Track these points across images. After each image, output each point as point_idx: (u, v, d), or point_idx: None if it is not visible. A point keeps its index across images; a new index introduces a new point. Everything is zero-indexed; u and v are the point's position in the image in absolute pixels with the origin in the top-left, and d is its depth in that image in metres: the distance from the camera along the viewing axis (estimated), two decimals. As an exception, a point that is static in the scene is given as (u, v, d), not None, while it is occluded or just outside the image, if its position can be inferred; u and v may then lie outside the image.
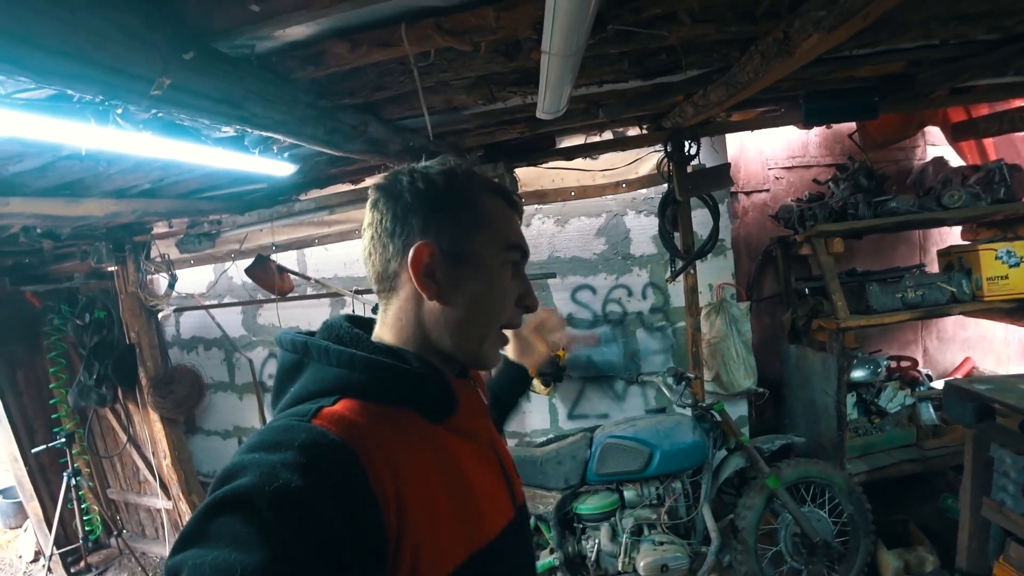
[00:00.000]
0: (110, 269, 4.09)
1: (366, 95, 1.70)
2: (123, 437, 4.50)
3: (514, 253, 0.80)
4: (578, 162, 3.55)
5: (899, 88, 2.77)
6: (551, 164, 3.38)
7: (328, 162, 2.78)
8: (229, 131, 1.81)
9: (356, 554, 0.56)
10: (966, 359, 4.20)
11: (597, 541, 2.81)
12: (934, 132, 3.97)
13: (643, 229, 3.84)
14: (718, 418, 2.92)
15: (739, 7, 1.46)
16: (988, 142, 3.57)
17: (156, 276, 4.29)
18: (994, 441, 2.48)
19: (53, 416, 4.49)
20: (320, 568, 0.53)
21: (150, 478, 4.43)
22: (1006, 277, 3.15)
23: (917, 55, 2.34)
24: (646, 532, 2.85)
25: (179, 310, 4.55)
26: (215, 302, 4.51)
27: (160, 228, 4.09)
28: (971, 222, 3.56)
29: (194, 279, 4.51)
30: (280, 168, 2.36)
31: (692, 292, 3.26)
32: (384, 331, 0.78)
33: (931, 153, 4.07)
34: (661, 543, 2.77)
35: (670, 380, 3.01)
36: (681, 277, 3.28)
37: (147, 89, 1.00)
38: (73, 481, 3.87)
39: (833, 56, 2.25)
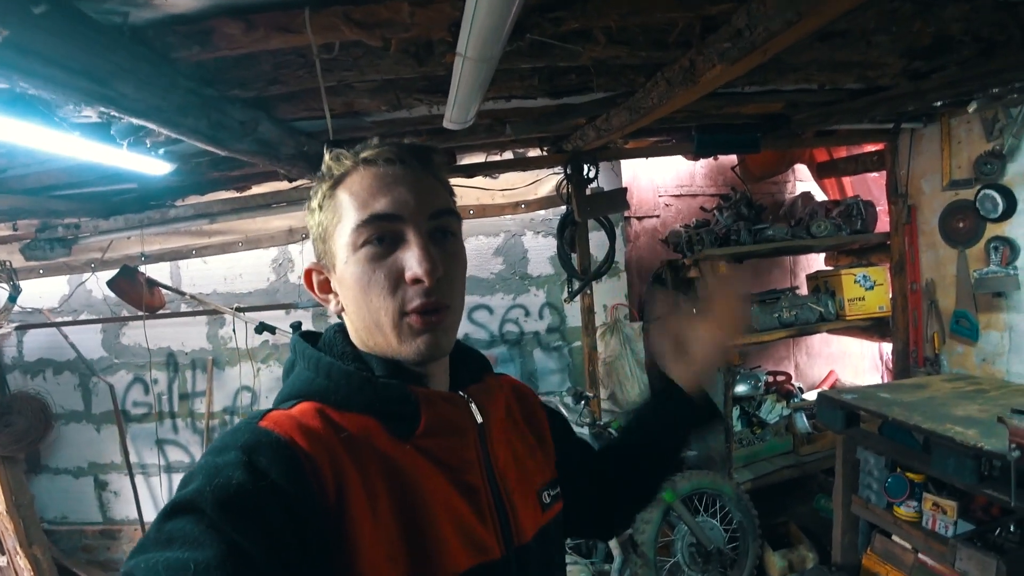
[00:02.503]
0: (-69, 279, 3.44)
1: (259, 88, 1.54)
2: (-59, 481, 3.75)
3: (366, 229, 0.68)
4: (478, 180, 3.54)
5: (777, 127, 3.05)
6: (451, 181, 3.33)
7: (211, 164, 2.52)
8: (91, 115, 1.57)
9: (300, 544, 0.57)
10: (830, 372, 4.66)
11: (500, 568, 2.73)
12: (802, 169, 4.43)
13: (540, 250, 3.90)
14: (615, 435, 2.96)
15: (652, 32, 1.51)
16: (846, 180, 4.03)
17: (-5, 288, 3.67)
18: (860, 444, 2.74)
19: None
20: (268, 559, 0.54)
21: (-23, 530, 3.72)
22: (863, 299, 3.54)
23: (796, 97, 2.58)
24: (549, 554, 2.81)
25: (22, 327, 3.92)
26: (69, 319, 3.94)
27: (2, 231, 3.51)
28: (834, 250, 3.97)
29: (44, 291, 3.94)
30: (154, 166, 2.10)
31: (589, 312, 3.33)
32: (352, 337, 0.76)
33: (799, 188, 4.53)
34: (564, 564, 2.75)
35: (569, 400, 3.03)
36: (578, 297, 3.35)
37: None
38: None
39: (726, 91, 2.42)
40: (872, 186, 3.83)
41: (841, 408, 2.75)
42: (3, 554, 3.65)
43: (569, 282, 3.45)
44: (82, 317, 3.97)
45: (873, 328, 3.67)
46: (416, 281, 0.67)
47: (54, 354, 4.04)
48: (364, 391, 0.68)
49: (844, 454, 2.85)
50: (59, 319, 3.93)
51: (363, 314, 0.70)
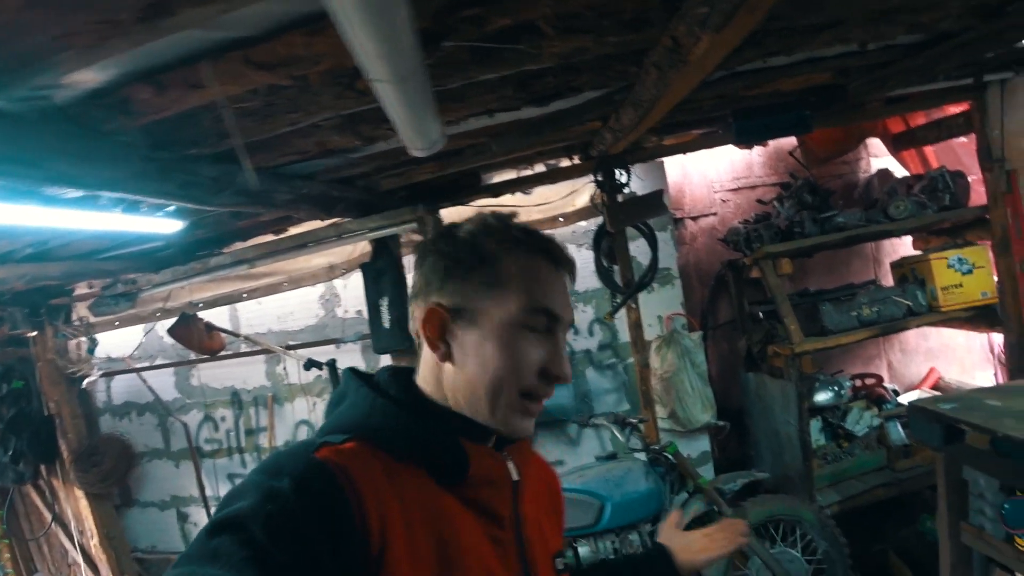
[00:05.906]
0: (29, 335, 3.81)
1: (213, 144, 1.50)
2: (48, 516, 4.14)
3: (538, 317, 0.73)
4: (511, 198, 3.39)
5: (831, 100, 2.68)
6: (479, 202, 3.21)
7: (233, 215, 2.57)
8: (75, 191, 1.61)
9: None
10: (931, 369, 4.05)
11: (551, 607, 2.55)
12: (876, 144, 3.91)
13: (585, 263, 3.64)
14: (673, 460, 2.71)
15: (607, 13, 1.28)
16: (929, 150, 3.51)
17: (79, 341, 4.01)
18: (966, 463, 2.30)
19: (-32, 499, 4.13)
20: None
21: (79, 560, 4.06)
22: (960, 285, 3.04)
23: (842, 63, 2.23)
24: (604, 592, 2.61)
25: (106, 375, 4.25)
26: (146, 364, 4.22)
27: (82, 290, 3.84)
28: (920, 231, 3.46)
29: (123, 341, 4.23)
30: (164, 225, 2.15)
31: (636, 327, 3.07)
32: (420, 382, 0.79)
33: (875, 165, 3.99)
34: (620, 604, 2.53)
35: (615, 428, 2.82)
36: (624, 312, 3.10)
37: None
38: (-16, 572, 3.51)
39: (749, 69, 2.13)
40: (961, 154, 3.30)
41: (938, 421, 2.33)
42: (100, 582, 3.96)
43: (613, 296, 3.23)
44: (157, 362, 4.23)
45: (978, 318, 3.15)
46: (557, 379, 0.75)
47: (136, 397, 4.35)
48: (417, 439, 0.70)
49: (947, 475, 2.38)
50: (137, 365, 4.22)
51: (478, 378, 0.72)
